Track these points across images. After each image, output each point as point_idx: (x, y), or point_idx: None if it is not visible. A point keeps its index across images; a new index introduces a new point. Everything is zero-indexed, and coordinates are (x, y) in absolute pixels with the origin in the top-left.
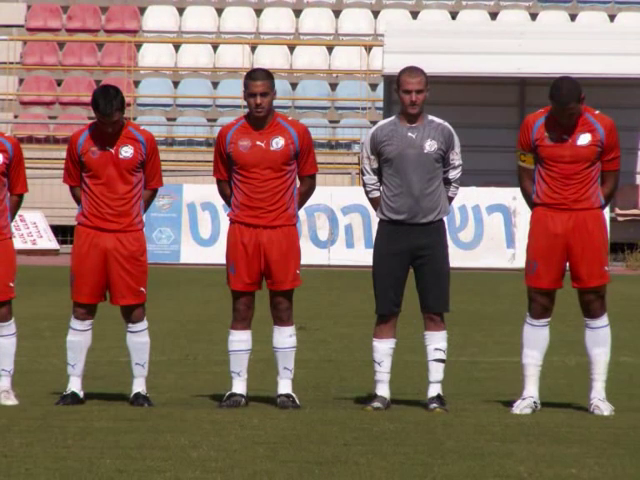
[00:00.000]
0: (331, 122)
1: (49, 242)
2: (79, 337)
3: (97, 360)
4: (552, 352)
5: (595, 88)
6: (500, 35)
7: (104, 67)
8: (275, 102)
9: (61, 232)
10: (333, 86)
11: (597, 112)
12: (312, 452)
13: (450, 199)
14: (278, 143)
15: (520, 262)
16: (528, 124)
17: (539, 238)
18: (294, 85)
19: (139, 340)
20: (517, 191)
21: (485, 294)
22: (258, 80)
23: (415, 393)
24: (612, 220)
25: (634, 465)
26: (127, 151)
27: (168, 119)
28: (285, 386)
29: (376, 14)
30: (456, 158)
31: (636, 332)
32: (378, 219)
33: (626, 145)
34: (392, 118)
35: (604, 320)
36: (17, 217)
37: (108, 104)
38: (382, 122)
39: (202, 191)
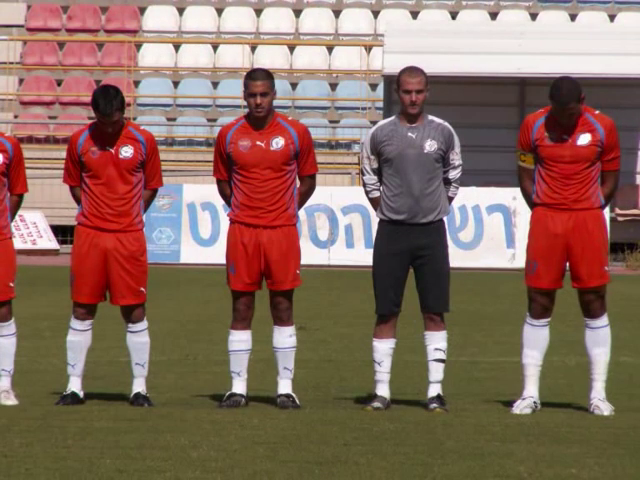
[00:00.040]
0: (331, 122)
1: (49, 242)
2: (79, 337)
3: (97, 360)
4: (552, 352)
5: (595, 88)
6: (500, 35)
7: (104, 67)
8: (275, 102)
9: (61, 232)
10: (333, 86)
11: (597, 112)
12: (312, 452)
13: (450, 199)
14: (278, 143)
15: (520, 262)
16: (528, 124)
17: (539, 238)
18: (294, 85)
19: (139, 340)
20: (517, 191)
21: (485, 294)
22: (258, 80)
23: (415, 393)
24: (612, 220)
25: (634, 465)
26: (127, 151)
27: (168, 119)
28: (285, 386)
29: (376, 14)
30: (456, 158)
31: (636, 332)
32: (378, 219)
33: (626, 145)
34: (392, 118)
35: (604, 320)
36: (17, 217)
37: (108, 104)
38: (382, 122)
39: (202, 191)
